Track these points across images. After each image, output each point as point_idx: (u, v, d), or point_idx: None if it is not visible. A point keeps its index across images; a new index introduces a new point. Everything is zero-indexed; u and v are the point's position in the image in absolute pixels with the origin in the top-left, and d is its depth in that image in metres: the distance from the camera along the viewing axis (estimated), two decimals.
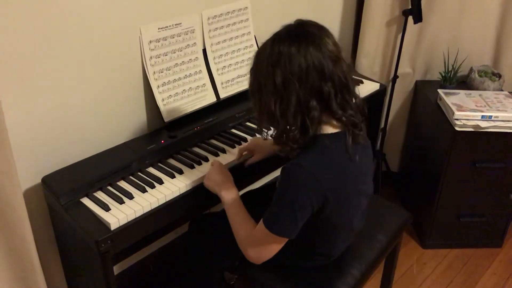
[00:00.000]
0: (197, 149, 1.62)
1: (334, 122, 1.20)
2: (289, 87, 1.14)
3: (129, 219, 1.32)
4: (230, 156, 1.59)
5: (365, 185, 1.34)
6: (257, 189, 1.91)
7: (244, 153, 1.57)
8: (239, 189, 1.43)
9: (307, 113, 1.16)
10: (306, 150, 1.20)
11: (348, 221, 1.34)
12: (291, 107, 1.15)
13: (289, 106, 1.15)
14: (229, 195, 1.37)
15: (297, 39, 1.13)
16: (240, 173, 1.54)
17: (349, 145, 1.19)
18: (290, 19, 1.22)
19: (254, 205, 1.38)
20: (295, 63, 1.12)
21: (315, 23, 1.19)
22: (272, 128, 1.27)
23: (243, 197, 1.46)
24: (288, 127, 1.19)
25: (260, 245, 1.27)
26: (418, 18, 2.21)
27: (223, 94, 1.82)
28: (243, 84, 1.88)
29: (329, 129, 1.21)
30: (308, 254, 1.39)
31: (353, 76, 1.25)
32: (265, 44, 1.19)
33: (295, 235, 1.24)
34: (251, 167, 1.56)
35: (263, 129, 1.32)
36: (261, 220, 1.25)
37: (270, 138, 1.32)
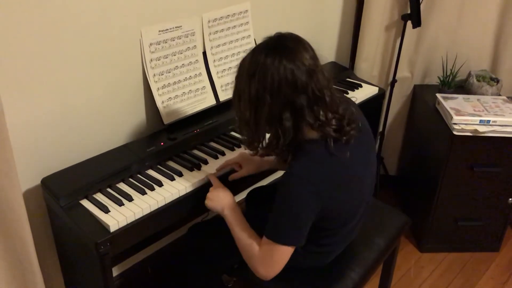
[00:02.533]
0: (196, 152, 1.63)
1: (313, 130, 1.22)
2: (262, 99, 1.17)
3: (129, 221, 1.32)
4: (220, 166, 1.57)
5: (363, 173, 1.33)
6: (264, 186, 1.92)
7: (224, 170, 1.54)
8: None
9: (279, 124, 1.19)
10: (294, 158, 1.23)
11: (348, 215, 1.34)
12: (263, 117, 1.19)
13: (261, 116, 1.19)
14: (231, 213, 1.37)
15: (272, 51, 1.16)
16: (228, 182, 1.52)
17: (331, 149, 1.20)
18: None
19: (259, 204, 1.39)
20: (268, 75, 1.15)
21: (294, 36, 1.22)
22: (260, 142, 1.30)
23: (249, 194, 1.46)
24: (261, 136, 1.25)
25: (269, 259, 1.27)
26: (417, 23, 2.22)
27: (222, 97, 1.83)
28: None
29: (312, 134, 1.23)
30: (309, 250, 1.37)
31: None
32: (247, 54, 1.23)
33: (304, 240, 1.25)
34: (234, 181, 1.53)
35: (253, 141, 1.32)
36: (264, 236, 1.26)
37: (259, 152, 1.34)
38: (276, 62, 1.14)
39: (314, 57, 1.20)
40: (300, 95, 1.16)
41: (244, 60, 1.23)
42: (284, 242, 1.23)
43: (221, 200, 1.39)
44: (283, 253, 1.25)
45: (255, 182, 1.89)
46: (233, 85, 1.27)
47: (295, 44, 1.18)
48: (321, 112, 1.19)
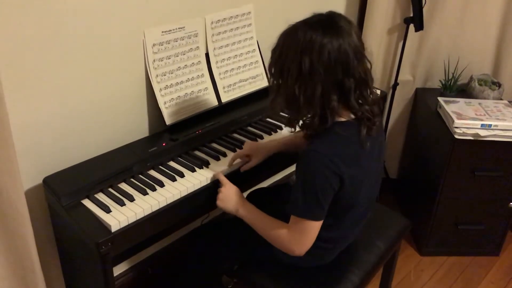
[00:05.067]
0: (198, 153, 1.63)
1: (349, 113, 1.24)
2: (315, 76, 1.16)
3: (130, 221, 1.32)
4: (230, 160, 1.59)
5: (378, 166, 1.37)
6: (266, 188, 1.92)
7: (235, 162, 1.55)
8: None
9: (327, 103, 1.19)
10: (319, 136, 1.24)
11: (360, 204, 1.35)
12: (316, 95, 1.18)
13: (314, 93, 1.18)
14: (246, 209, 1.39)
15: (329, 30, 1.15)
16: (239, 178, 1.54)
17: (363, 135, 1.23)
18: None
19: (260, 206, 1.40)
20: (325, 53, 1.14)
21: (344, 16, 1.21)
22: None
23: (251, 195, 1.46)
24: (304, 114, 1.23)
25: (300, 236, 1.28)
26: (419, 26, 2.22)
27: (224, 98, 1.83)
28: (245, 89, 1.89)
29: (342, 118, 1.24)
30: (315, 242, 1.34)
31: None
32: (294, 28, 1.20)
33: (324, 216, 1.26)
34: (247, 172, 1.55)
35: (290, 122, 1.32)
36: (291, 216, 1.27)
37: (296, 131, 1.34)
38: (334, 41, 1.14)
39: (361, 39, 1.21)
40: (350, 77, 1.17)
41: (291, 34, 1.19)
42: (311, 217, 1.25)
43: (232, 200, 1.40)
44: (313, 228, 1.27)
45: (263, 180, 1.90)
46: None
47: (348, 24, 1.19)
48: (363, 96, 1.21)
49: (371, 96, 1.24)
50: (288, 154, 1.58)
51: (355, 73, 1.17)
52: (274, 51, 1.24)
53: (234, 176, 1.51)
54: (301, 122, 1.29)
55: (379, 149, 1.35)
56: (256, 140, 1.70)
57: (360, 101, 1.21)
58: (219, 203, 1.41)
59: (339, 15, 1.21)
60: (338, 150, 1.21)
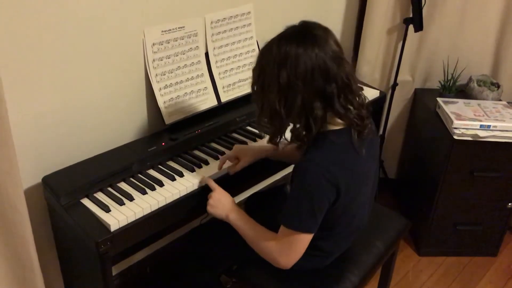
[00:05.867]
0: (197, 152, 1.63)
1: (338, 120, 1.23)
2: (294, 88, 1.16)
3: (129, 221, 1.32)
4: (227, 163, 1.58)
5: (371, 174, 1.36)
6: (261, 192, 1.92)
7: (224, 165, 1.53)
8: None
9: (310, 113, 1.19)
10: (313, 146, 1.23)
11: (354, 214, 1.35)
12: (296, 107, 1.18)
13: (293, 106, 1.18)
14: (236, 216, 1.38)
15: (303, 40, 1.15)
16: (230, 182, 1.53)
17: (355, 140, 1.22)
18: None
19: (260, 208, 1.39)
20: (301, 64, 1.14)
21: (319, 24, 1.22)
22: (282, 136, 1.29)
23: (248, 201, 1.45)
24: (286, 127, 1.24)
25: (288, 249, 1.27)
26: (419, 27, 2.23)
27: (224, 98, 1.83)
28: (245, 88, 1.89)
29: (334, 126, 1.24)
30: (309, 249, 1.35)
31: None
32: (270, 44, 1.20)
33: (316, 229, 1.26)
34: (237, 174, 1.53)
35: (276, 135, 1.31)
36: (281, 225, 1.26)
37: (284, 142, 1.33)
38: (308, 51, 1.14)
39: (338, 44, 1.21)
40: (331, 83, 1.16)
41: (267, 50, 1.20)
42: (304, 230, 1.24)
43: (223, 205, 1.39)
44: (303, 241, 1.26)
45: (253, 185, 1.90)
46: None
47: (323, 32, 1.19)
48: (348, 100, 1.20)
49: (357, 99, 1.23)
50: (277, 161, 1.58)
51: (337, 79, 1.16)
52: (254, 70, 1.25)
53: (224, 181, 1.50)
54: (289, 136, 1.28)
55: (374, 152, 1.35)
56: (255, 140, 1.70)
57: (347, 106, 1.20)
58: (209, 208, 1.40)
59: (314, 23, 1.21)
60: (334, 158, 1.21)
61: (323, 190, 1.19)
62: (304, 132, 1.22)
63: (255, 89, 1.26)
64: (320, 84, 1.16)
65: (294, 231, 1.24)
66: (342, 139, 1.23)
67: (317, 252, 1.38)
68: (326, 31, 1.20)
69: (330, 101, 1.18)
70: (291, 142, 1.28)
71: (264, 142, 1.69)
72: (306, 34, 1.17)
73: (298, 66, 1.14)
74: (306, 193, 1.20)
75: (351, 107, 1.21)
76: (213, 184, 1.44)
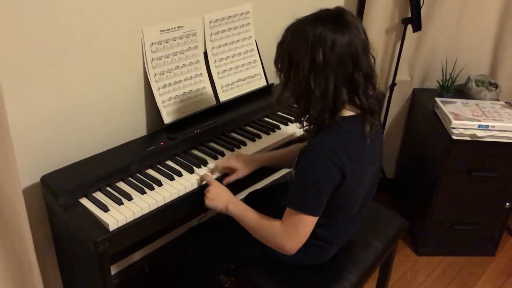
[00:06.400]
0: (196, 152, 1.63)
1: (353, 107, 1.24)
2: (329, 69, 1.17)
3: (128, 221, 1.32)
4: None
5: (375, 166, 1.37)
6: (260, 189, 1.92)
7: (215, 175, 1.50)
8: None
9: (338, 96, 1.20)
10: (323, 130, 1.25)
11: (355, 202, 1.35)
12: (329, 88, 1.18)
13: (328, 86, 1.18)
14: (236, 206, 1.38)
15: (339, 25, 1.17)
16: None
17: (365, 129, 1.24)
18: None
19: (259, 206, 1.39)
20: (337, 47, 1.15)
21: (351, 12, 1.23)
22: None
23: (248, 197, 1.45)
24: (319, 107, 1.22)
25: (294, 232, 1.27)
26: (417, 27, 2.23)
27: (223, 98, 1.83)
28: (243, 88, 1.89)
29: (346, 112, 1.25)
30: (310, 238, 1.32)
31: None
32: (302, 23, 1.21)
33: (320, 213, 1.26)
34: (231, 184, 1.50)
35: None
36: (287, 208, 1.26)
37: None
38: (345, 36, 1.15)
39: (366, 34, 1.23)
40: (359, 71, 1.18)
41: (300, 28, 1.20)
42: (309, 211, 1.24)
43: (221, 197, 1.39)
44: (307, 224, 1.25)
45: (253, 184, 1.90)
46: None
47: (355, 20, 1.20)
48: (369, 91, 1.22)
49: (375, 92, 1.25)
50: (276, 168, 1.58)
51: (363, 68, 1.19)
52: (280, 46, 1.24)
53: (221, 180, 1.49)
54: (307, 116, 1.28)
55: (377, 150, 1.36)
56: (254, 140, 1.70)
57: (366, 95, 1.23)
58: (208, 202, 1.40)
59: (346, 10, 1.22)
60: (342, 144, 1.22)
61: (328, 170, 1.20)
62: (327, 116, 1.22)
63: (280, 65, 1.25)
64: (350, 70, 1.18)
65: (299, 212, 1.24)
66: (351, 127, 1.24)
67: (318, 241, 1.38)
68: (357, 19, 1.22)
69: (355, 88, 1.20)
70: (309, 124, 1.29)
71: (263, 142, 1.69)
72: (341, 19, 1.18)
73: (335, 49, 1.15)
74: (312, 173, 1.21)
75: (370, 99, 1.23)
76: (210, 179, 1.45)
